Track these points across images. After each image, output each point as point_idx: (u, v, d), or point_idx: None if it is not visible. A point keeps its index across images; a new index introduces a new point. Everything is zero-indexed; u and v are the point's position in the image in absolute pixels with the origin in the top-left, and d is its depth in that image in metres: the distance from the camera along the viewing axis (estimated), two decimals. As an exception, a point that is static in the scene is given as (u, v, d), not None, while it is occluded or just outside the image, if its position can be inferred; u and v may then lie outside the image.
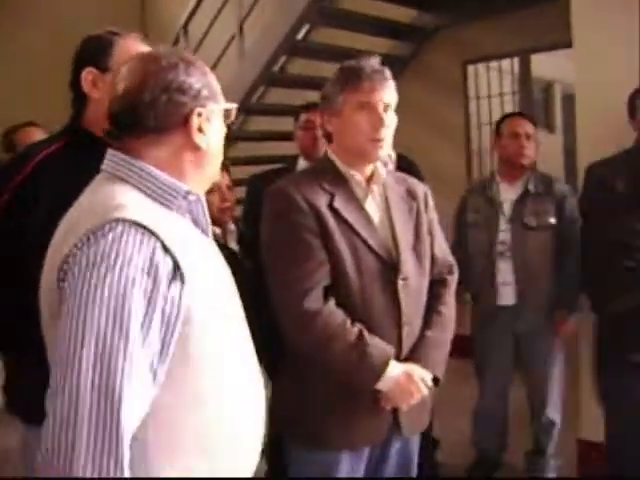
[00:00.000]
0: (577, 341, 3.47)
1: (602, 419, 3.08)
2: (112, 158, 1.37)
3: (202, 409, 1.29)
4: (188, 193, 1.38)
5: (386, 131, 2.05)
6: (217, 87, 1.45)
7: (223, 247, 2.77)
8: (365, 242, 2.03)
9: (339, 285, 2.00)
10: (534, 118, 3.79)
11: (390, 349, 2.01)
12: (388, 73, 2.09)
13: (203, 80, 1.40)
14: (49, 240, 1.31)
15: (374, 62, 2.07)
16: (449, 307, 2.24)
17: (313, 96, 4.92)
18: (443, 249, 2.30)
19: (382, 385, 1.99)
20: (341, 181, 2.09)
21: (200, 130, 1.38)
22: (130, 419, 1.12)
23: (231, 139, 6.05)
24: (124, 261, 1.16)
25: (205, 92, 1.39)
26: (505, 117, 3.67)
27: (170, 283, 1.21)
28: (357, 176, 2.10)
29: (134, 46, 1.85)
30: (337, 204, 2.03)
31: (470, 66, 5.90)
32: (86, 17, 7.76)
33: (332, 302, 1.98)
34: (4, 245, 1.77)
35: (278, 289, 2.00)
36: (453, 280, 2.30)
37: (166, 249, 1.21)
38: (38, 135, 3.33)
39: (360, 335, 1.96)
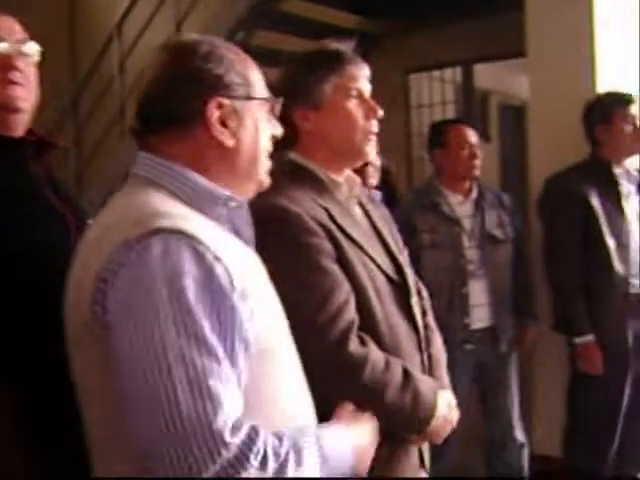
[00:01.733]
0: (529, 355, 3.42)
1: (555, 432, 3.07)
2: (145, 161, 1.21)
3: None
4: (229, 199, 1.21)
5: (377, 124, 1.74)
6: (254, 75, 1.28)
7: None
8: (374, 261, 1.70)
9: (364, 317, 1.64)
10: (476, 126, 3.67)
11: (434, 381, 1.74)
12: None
13: (229, 66, 1.22)
14: None
15: (348, 47, 1.75)
16: (433, 320, 2.00)
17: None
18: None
19: (434, 423, 1.69)
20: (325, 191, 1.71)
21: (224, 125, 1.20)
22: None
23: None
24: (179, 274, 1.01)
25: (232, 79, 1.21)
26: (445, 125, 3.38)
27: (232, 295, 1.05)
28: (341, 183, 1.75)
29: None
30: (338, 219, 1.66)
31: (412, 75, 5.87)
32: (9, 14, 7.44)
33: (371, 341, 1.63)
34: None
35: (306, 335, 1.45)
36: (425, 291, 2.06)
37: (217, 259, 1.06)
38: None
39: (406, 373, 1.65)
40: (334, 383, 1.59)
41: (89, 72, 6.17)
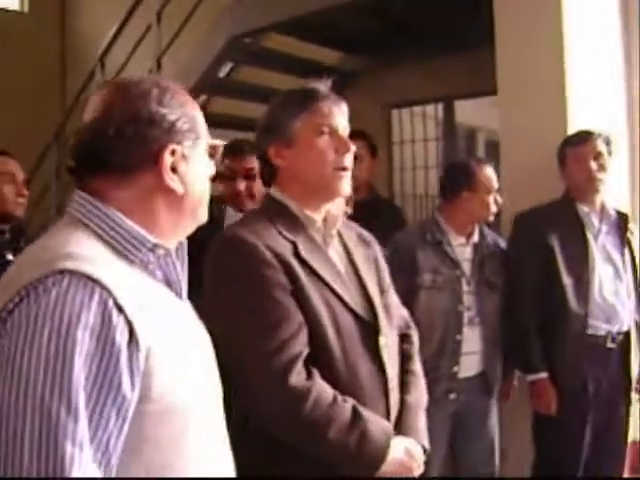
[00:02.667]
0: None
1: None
2: (77, 199, 1.15)
3: None
4: (155, 246, 1.16)
5: (351, 159, 1.77)
6: (199, 119, 1.25)
7: None
8: (340, 298, 1.71)
9: (319, 352, 1.65)
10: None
11: (388, 424, 1.70)
12: (339, 97, 1.82)
13: (181, 111, 1.19)
14: None
15: (325, 85, 1.82)
16: (419, 365, 1.98)
17: (237, 136, 4.80)
18: (397, 301, 2.05)
19: (386, 468, 1.66)
20: (298, 226, 1.75)
21: (174, 170, 1.17)
22: None
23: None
24: (70, 322, 0.96)
25: (183, 125, 1.18)
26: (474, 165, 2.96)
27: (126, 348, 1.00)
28: (316, 219, 1.78)
29: None
30: (303, 254, 1.69)
31: (394, 110, 5.87)
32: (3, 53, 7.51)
33: (317, 375, 1.63)
34: None
35: (250, 364, 1.59)
36: (415, 335, 2.06)
37: (120, 309, 1.00)
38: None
39: (355, 412, 1.63)
40: (276, 414, 1.60)
41: (73, 104, 6.19)
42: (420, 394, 1.90)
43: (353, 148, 1.77)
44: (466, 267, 2.92)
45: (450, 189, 2.96)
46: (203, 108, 5.26)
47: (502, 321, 2.98)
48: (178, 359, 1.10)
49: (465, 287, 2.89)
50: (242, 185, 2.82)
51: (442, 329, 2.82)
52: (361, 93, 5.76)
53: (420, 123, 6.02)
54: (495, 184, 2.94)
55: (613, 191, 3.14)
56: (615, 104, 3.87)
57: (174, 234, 1.21)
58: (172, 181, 1.16)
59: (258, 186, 2.69)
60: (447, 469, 3.02)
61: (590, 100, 3.46)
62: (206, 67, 4.80)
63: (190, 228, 1.25)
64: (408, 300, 2.52)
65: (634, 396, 3.05)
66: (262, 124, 1.82)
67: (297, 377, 1.58)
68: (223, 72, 5.95)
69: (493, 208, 2.91)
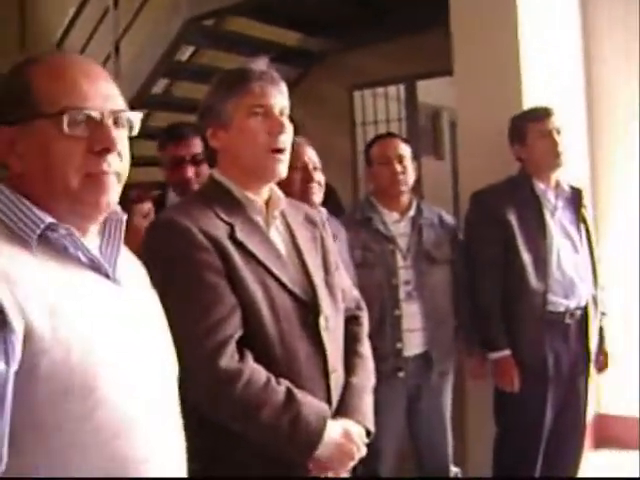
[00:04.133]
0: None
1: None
2: None
3: None
4: (54, 226, 1.11)
5: (287, 140, 1.74)
6: (59, 88, 1.14)
7: None
8: (278, 279, 1.69)
9: (254, 334, 1.64)
10: (415, 142, 3.58)
11: (324, 406, 1.68)
12: (278, 75, 1.79)
13: (26, 84, 1.13)
14: None
15: (261, 64, 1.79)
16: (367, 347, 1.97)
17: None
18: (348, 282, 2.05)
19: (322, 451, 1.63)
20: (237, 208, 1.73)
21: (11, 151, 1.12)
22: None
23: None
24: None
25: (20, 100, 1.12)
26: (373, 140, 3.11)
27: None
28: (256, 201, 1.76)
29: None
30: (239, 236, 1.67)
31: (357, 92, 5.86)
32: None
33: (250, 357, 1.62)
34: None
35: (184, 347, 1.46)
36: (365, 317, 2.05)
37: None
38: None
39: (289, 394, 1.62)
40: (207, 396, 1.60)
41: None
42: (366, 376, 1.88)
43: (289, 129, 1.74)
44: (402, 242, 2.91)
45: (366, 167, 3.10)
46: (166, 92, 5.19)
47: (462, 299, 2.99)
48: (81, 340, 1.07)
49: (401, 262, 2.88)
50: (191, 171, 2.76)
51: (379, 305, 2.78)
52: (324, 75, 5.76)
53: (383, 104, 6.01)
54: (392, 153, 2.92)
55: (571, 168, 3.15)
56: (572, 83, 3.90)
57: (69, 215, 1.14)
58: (9, 161, 1.14)
59: (206, 170, 2.59)
60: (404, 448, 3.04)
61: (546, 79, 3.48)
62: (164, 50, 4.74)
63: (73, 209, 1.15)
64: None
65: (593, 370, 3.08)
66: (202, 106, 1.81)
67: (228, 359, 1.58)
68: (185, 56, 5.90)
69: (401, 177, 2.90)
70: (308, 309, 1.73)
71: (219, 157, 1.80)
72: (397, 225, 2.94)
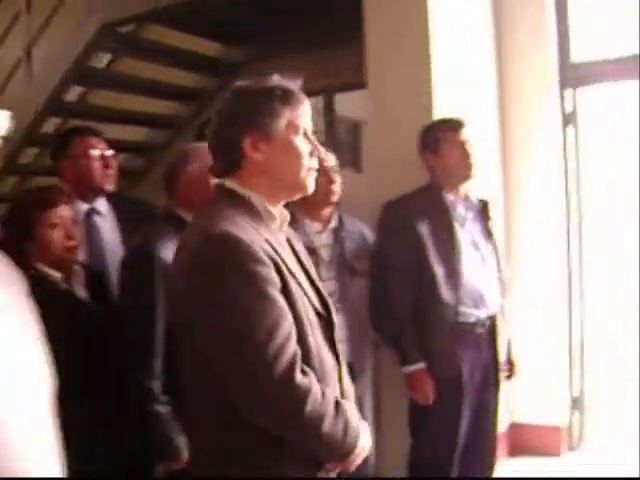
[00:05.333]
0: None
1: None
2: None
3: None
4: None
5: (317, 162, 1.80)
6: None
7: (65, 294, 2.32)
8: (306, 294, 1.72)
9: (301, 347, 1.65)
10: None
11: (355, 407, 1.77)
12: None
13: None
14: None
15: (296, 84, 1.80)
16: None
17: (116, 130, 4.67)
18: None
19: (359, 447, 1.72)
20: (260, 221, 1.70)
21: None
22: None
23: (20, 172, 5.63)
24: None
25: None
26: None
27: None
28: (275, 213, 1.76)
29: None
30: (279, 250, 1.67)
31: (276, 103, 5.82)
32: None
33: (311, 372, 1.64)
34: None
35: (251, 367, 1.56)
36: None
37: None
38: None
39: (336, 402, 1.67)
40: (278, 414, 1.61)
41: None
42: (348, 378, 1.92)
43: (322, 152, 1.81)
44: (324, 253, 2.92)
45: None
46: (81, 100, 5.04)
47: (375, 312, 2.99)
48: None
49: (324, 273, 2.85)
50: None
51: None
52: (242, 85, 5.73)
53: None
54: (326, 165, 2.85)
55: (482, 179, 3.20)
56: (485, 94, 3.97)
57: None
58: None
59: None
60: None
61: (458, 92, 3.54)
62: (77, 56, 4.63)
63: None
64: None
65: (502, 378, 3.12)
66: (236, 112, 1.75)
67: (300, 376, 1.59)
68: (102, 63, 5.78)
69: (336, 188, 2.93)
70: (326, 322, 1.79)
71: (248, 166, 1.74)
72: (320, 236, 2.95)
